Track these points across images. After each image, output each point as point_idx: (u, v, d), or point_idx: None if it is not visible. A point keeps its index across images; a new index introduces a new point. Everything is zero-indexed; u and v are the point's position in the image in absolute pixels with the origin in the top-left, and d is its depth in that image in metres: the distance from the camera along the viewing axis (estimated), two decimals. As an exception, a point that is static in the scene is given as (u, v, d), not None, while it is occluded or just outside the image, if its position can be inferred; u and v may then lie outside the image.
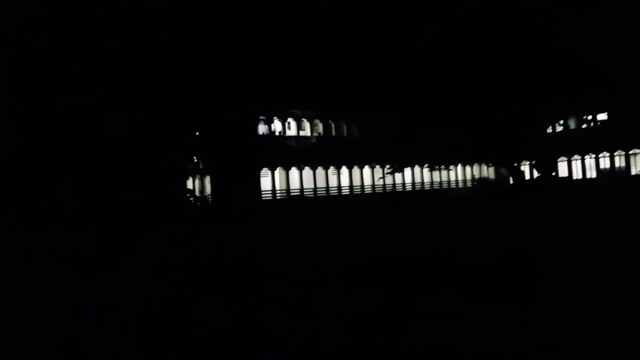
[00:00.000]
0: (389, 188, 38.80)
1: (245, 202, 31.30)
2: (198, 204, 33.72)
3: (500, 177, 40.07)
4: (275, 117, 35.85)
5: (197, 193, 34.77)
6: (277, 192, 34.76)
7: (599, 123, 38.25)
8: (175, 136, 30.75)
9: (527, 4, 28.91)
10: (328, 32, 31.65)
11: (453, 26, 30.14)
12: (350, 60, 32.39)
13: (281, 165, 35.04)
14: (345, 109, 36.41)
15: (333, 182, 37.31)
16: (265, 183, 34.69)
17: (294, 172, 35.70)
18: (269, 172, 34.71)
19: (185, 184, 35.02)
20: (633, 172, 36.08)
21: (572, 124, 39.32)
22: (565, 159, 38.81)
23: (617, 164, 37.11)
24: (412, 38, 30.98)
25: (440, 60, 30.88)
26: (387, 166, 37.68)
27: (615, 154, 36.88)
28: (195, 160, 34.38)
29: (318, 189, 36.42)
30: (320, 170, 36.73)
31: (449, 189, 40.58)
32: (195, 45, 29.36)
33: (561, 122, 39.42)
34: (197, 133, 32.87)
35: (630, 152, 36.15)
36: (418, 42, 30.96)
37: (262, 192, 33.98)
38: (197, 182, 35.02)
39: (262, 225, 17.99)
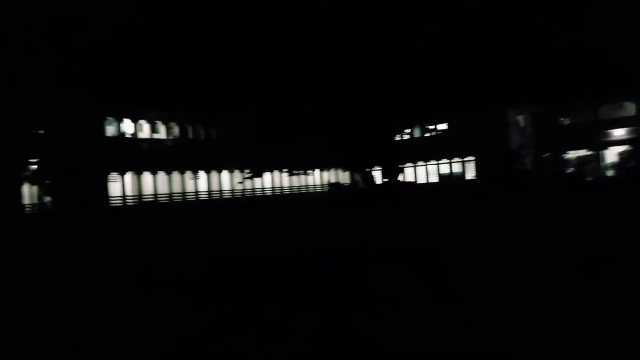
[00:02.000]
0: (248, 193, 38.73)
1: (89, 209, 29.04)
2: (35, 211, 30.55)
3: (353, 182, 42.06)
4: (126, 118, 33.82)
5: (34, 200, 31.47)
6: (128, 197, 32.83)
7: (440, 133, 42.27)
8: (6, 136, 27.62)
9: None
10: (178, 28, 30.64)
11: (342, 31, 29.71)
12: (202, 61, 31.68)
13: (133, 170, 33.16)
14: (203, 111, 35.60)
15: (191, 187, 36.24)
16: (116, 188, 32.55)
17: (147, 176, 33.99)
18: (120, 177, 32.64)
19: (19, 190, 31.54)
20: (468, 177, 40.46)
21: (417, 133, 42.88)
22: (412, 165, 42.16)
23: (455, 170, 41.31)
24: (274, 38, 30.70)
25: (300, 62, 30.97)
26: (247, 171, 37.55)
27: (453, 161, 41.00)
28: (32, 164, 31.10)
29: (174, 195, 35.12)
30: (176, 175, 35.45)
31: (307, 193, 41.66)
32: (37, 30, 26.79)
33: (408, 131, 42.68)
34: (33, 133, 29.78)
35: (466, 159, 40.41)
36: (282, 42, 30.74)
37: (111, 198, 31.84)
38: (34, 188, 31.70)
39: (93, 231, 16.82)
